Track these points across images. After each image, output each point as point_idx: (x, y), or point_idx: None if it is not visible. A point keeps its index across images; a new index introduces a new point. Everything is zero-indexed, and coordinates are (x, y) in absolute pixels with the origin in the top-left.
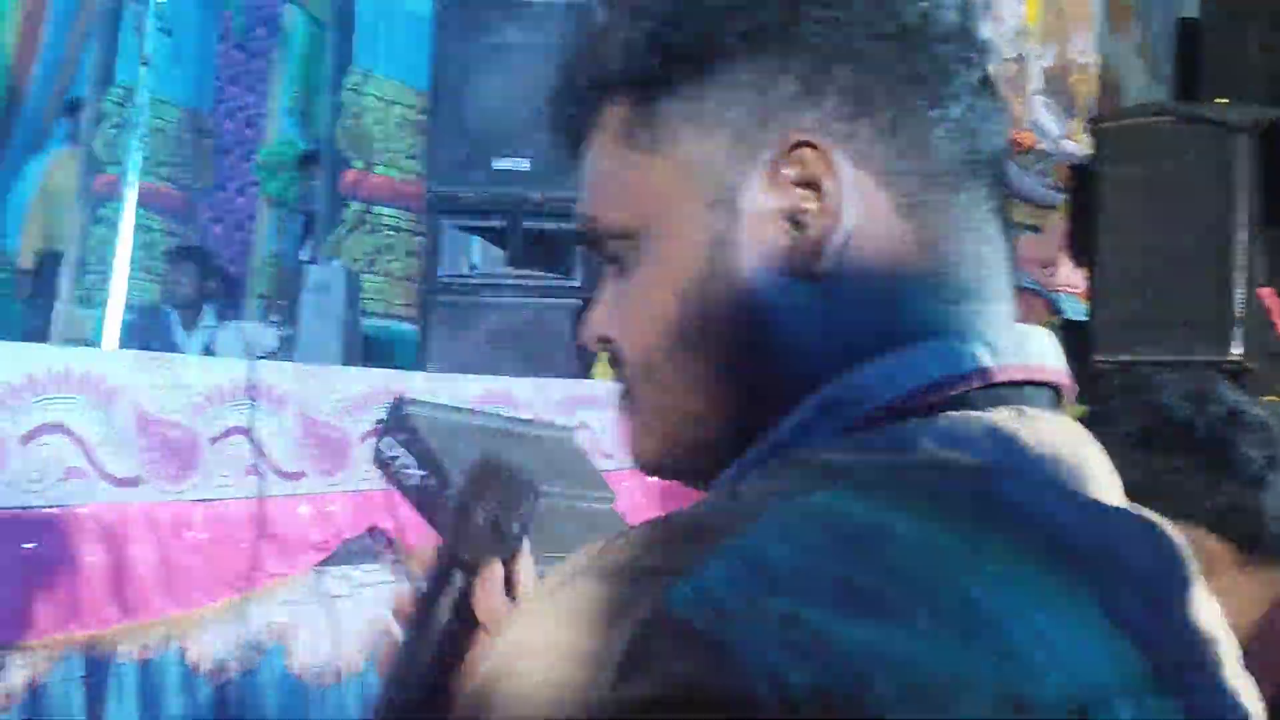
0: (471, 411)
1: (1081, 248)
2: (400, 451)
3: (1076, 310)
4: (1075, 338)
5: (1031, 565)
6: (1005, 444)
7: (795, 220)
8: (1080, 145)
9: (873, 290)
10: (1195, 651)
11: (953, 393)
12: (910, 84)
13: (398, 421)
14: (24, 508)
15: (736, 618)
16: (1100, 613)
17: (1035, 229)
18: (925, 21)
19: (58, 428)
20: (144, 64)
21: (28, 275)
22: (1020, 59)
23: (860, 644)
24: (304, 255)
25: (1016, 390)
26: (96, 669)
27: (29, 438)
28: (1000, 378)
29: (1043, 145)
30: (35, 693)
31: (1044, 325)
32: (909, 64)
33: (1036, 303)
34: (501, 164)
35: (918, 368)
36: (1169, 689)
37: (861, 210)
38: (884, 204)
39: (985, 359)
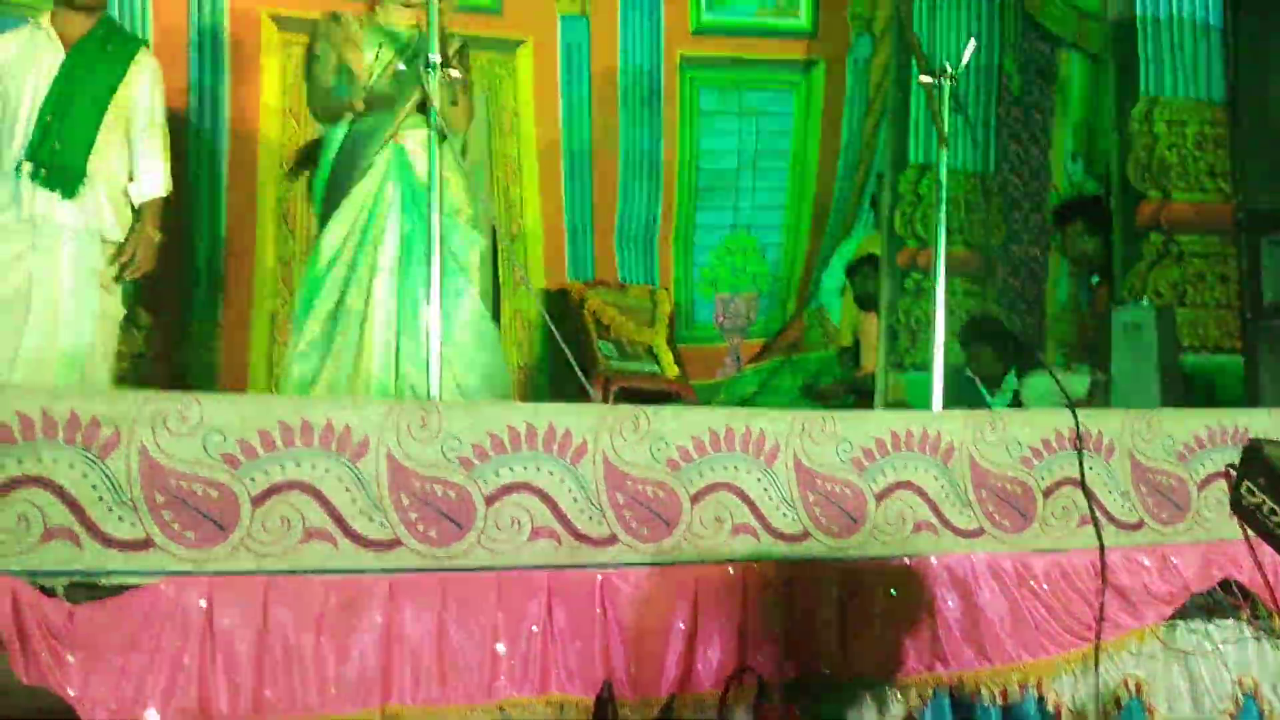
0: None
1: None
2: (1263, 497)
3: None
4: None
5: None
6: None
7: None
8: None
9: None
10: None
11: None
12: None
13: (1257, 465)
14: (886, 558)
15: None
16: None
17: None
18: None
19: (908, 486)
20: (943, 144)
21: (848, 351)
22: None
23: None
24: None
25: None
26: (962, 709)
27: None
28: None
29: None
30: None
31: None
32: None
33: None
34: None
35: None
36: None
37: None
38: None
39: None
